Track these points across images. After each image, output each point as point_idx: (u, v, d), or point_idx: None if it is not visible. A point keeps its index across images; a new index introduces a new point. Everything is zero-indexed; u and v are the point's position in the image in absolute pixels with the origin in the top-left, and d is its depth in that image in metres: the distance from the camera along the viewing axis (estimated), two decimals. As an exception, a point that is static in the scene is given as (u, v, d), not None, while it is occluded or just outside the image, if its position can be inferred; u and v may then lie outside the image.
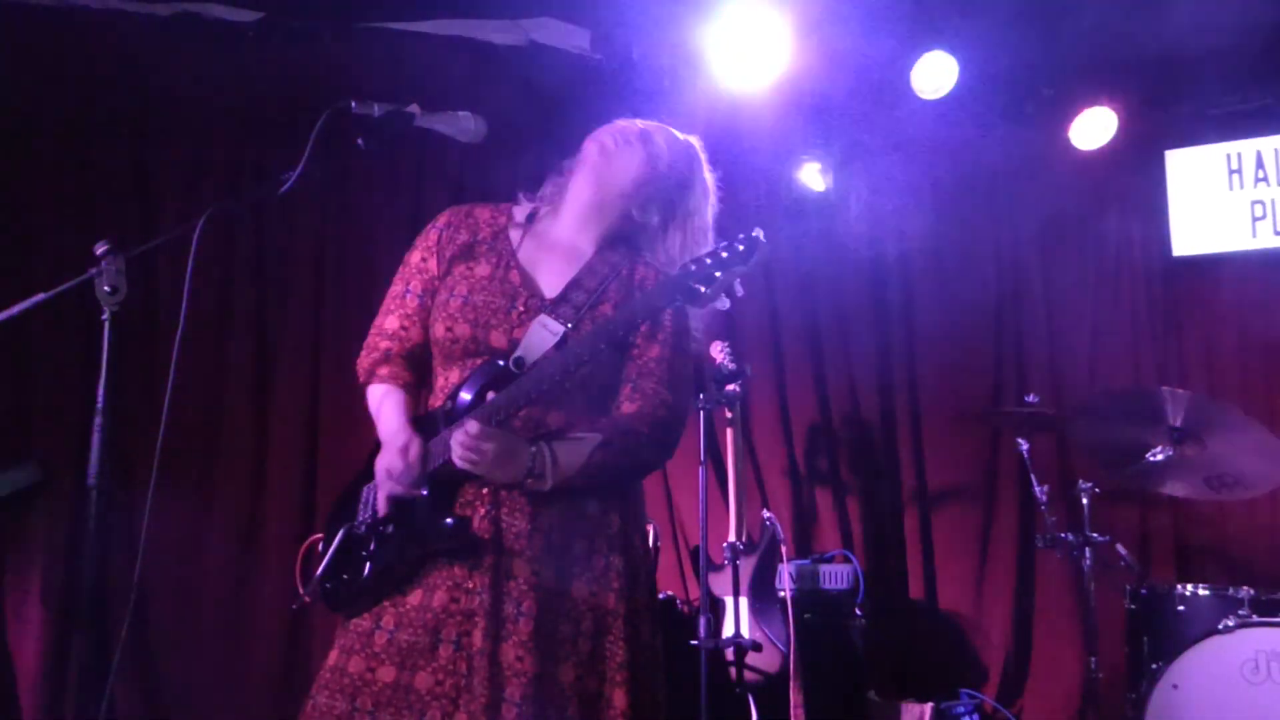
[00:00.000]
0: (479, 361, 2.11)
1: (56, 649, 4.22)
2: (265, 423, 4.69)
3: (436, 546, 2.03)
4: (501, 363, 2.07)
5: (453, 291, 2.16)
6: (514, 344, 2.09)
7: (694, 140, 2.31)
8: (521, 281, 2.16)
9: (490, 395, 2.02)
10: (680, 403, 2.19)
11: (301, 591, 2.18)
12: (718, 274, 1.91)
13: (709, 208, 2.30)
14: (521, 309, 2.12)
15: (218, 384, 4.65)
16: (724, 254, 1.92)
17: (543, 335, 2.07)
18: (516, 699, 1.94)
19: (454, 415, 2.06)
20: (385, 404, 2.20)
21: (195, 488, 4.55)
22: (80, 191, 4.50)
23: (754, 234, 1.92)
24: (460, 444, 1.95)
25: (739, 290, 1.95)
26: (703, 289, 1.91)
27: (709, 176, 2.31)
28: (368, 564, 2.07)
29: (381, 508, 2.07)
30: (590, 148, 2.21)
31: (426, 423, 2.12)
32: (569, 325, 2.08)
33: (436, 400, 2.17)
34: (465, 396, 2.06)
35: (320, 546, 2.20)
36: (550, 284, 2.17)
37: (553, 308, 2.12)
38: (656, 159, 2.21)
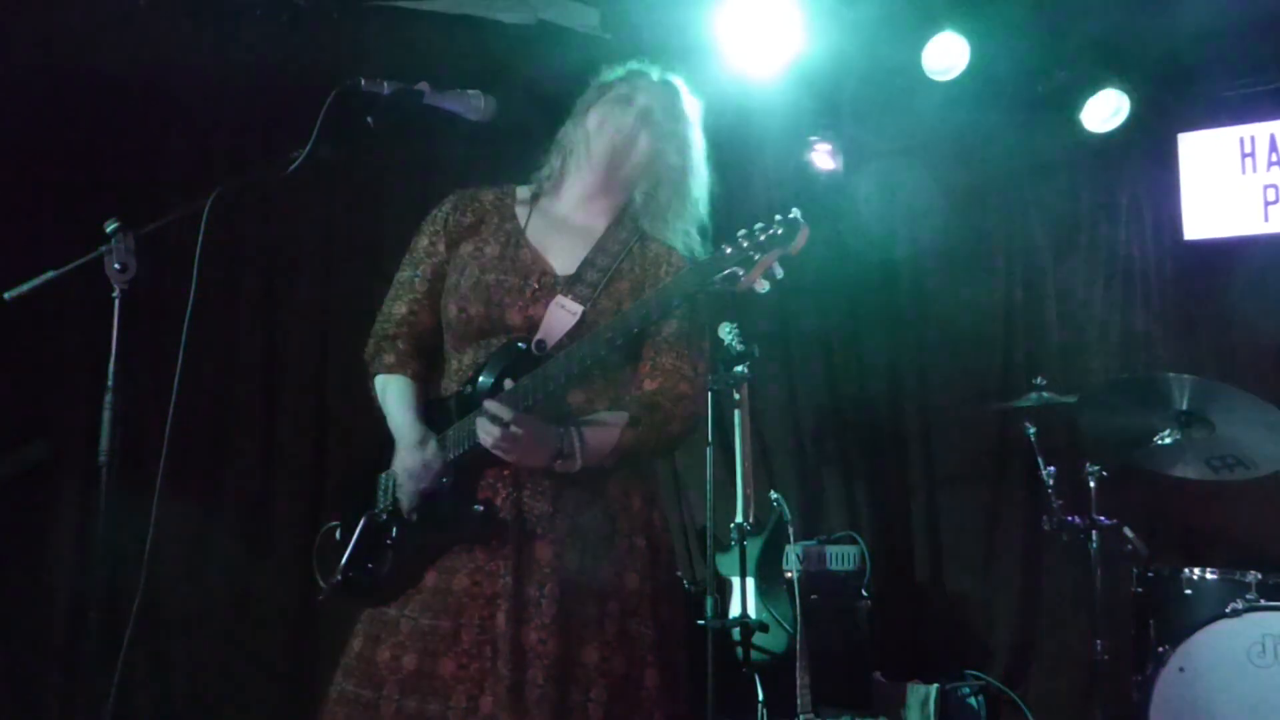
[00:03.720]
0: (495, 343, 2.09)
1: (68, 627, 4.24)
2: (274, 404, 4.70)
3: (462, 533, 2.02)
4: (522, 345, 2.05)
5: (463, 272, 2.14)
6: (531, 323, 2.07)
7: (676, 80, 2.27)
8: (533, 259, 2.15)
9: (509, 380, 2.00)
10: (699, 375, 2.19)
11: (323, 583, 2.16)
12: (756, 257, 1.86)
13: (698, 134, 2.26)
14: (536, 286, 2.10)
15: (227, 364, 4.66)
16: (761, 236, 1.87)
17: (561, 316, 2.06)
18: (539, 681, 1.94)
19: (474, 400, 2.03)
20: (390, 396, 2.18)
21: (205, 467, 4.57)
22: (88, 172, 4.49)
23: (792, 215, 1.88)
24: (489, 431, 1.94)
25: (778, 272, 1.90)
26: (741, 272, 1.87)
27: (691, 110, 2.26)
28: (391, 552, 2.07)
29: (406, 505, 2.07)
30: (598, 144, 2.18)
31: (442, 407, 2.10)
32: (587, 305, 2.07)
33: (451, 383, 2.15)
34: (485, 380, 2.04)
35: (337, 534, 2.18)
36: (562, 261, 2.16)
37: (568, 287, 2.10)
38: (665, 136, 2.19)
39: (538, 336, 2.05)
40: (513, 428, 1.92)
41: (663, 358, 2.13)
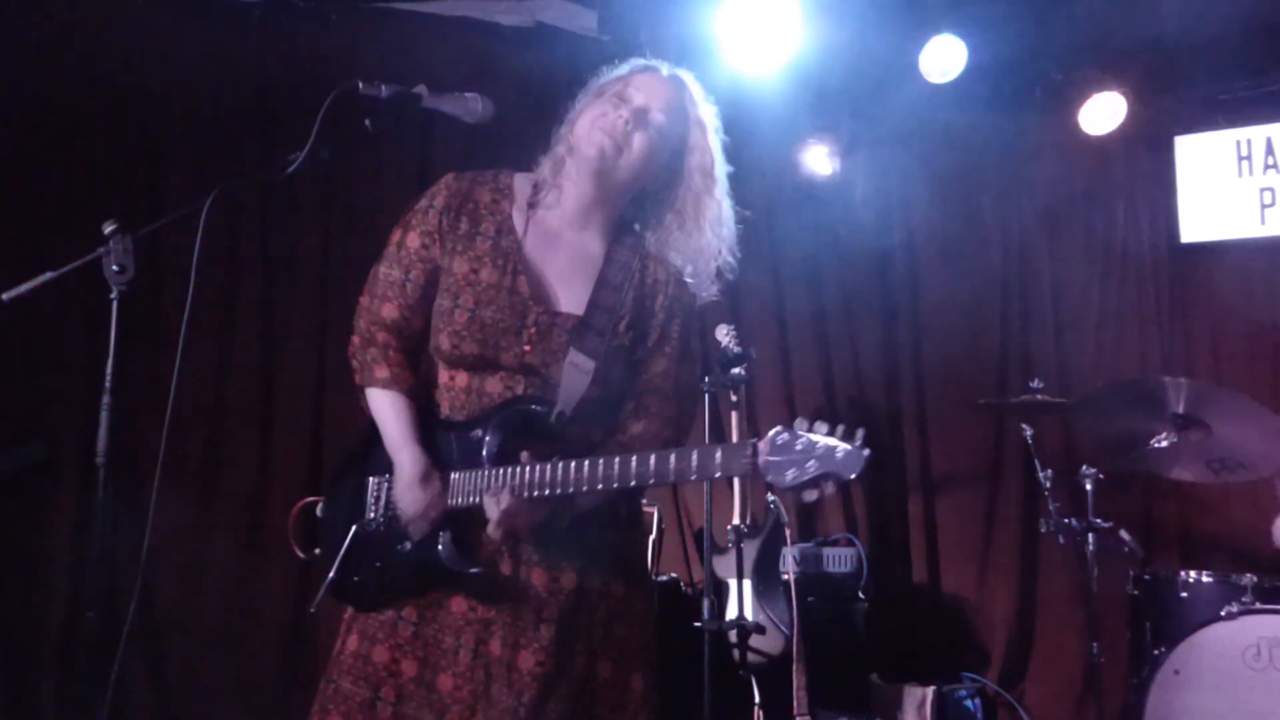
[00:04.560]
0: (489, 377, 2.03)
1: (65, 627, 4.24)
2: (271, 405, 4.70)
3: (455, 584, 2.00)
4: (539, 408, 1.99)
5: (457, 300, 2.05)
6: (525, 366, 2.02)
7: (685, 76, 2.18)
8: (531, 292, 2.05)
9: (525, 454, 1.94)
10: (686, 417, 2.16)
11: (302, 554, 2.16)
12: (812, 470, 1.68)
13: (712, 141, 2.18)
14: (533, 329, 2.03)
15: (225, 366, 4.66)
16: (818, 457, 1.67)
17: (576, 377, 2.00)
18: (534, 699, 1.94)
19: (478, 456, 1.99)
20: (389, 417, 2.09)
21: (202, 468, 4.57)
22: (88, 174, 4.49)
23: (858, 445, 1.68)
24: (498, 524, 1.91)
25: (830, 491, 1.71)
26: (791, 476, 1.69)
27: (705, 112, 2.18)
28: (380, 575, 2.05)
29: (413, 535, 2.02)
30: (588, 151, 2.06)
31: (444, 440, 2.05)
32: (598, 360, 2.01)
33: (442, 398, 2.10)
34: (493, 441, 1.98)
35: (319, 510, 2.17)
36: (563, 294, 2.08)
37: (577, 338, 2.02)
38: (659, 135, 2.09)
39: (558, 408, 1.98)
40: (513, 520, 1.91)
41: (649, 398, 2.09)
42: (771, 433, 1.73)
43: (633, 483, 1.84)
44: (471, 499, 1.96)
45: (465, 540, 1.99)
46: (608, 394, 2.05)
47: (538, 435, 1.97)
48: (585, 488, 1.87)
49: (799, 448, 1.70)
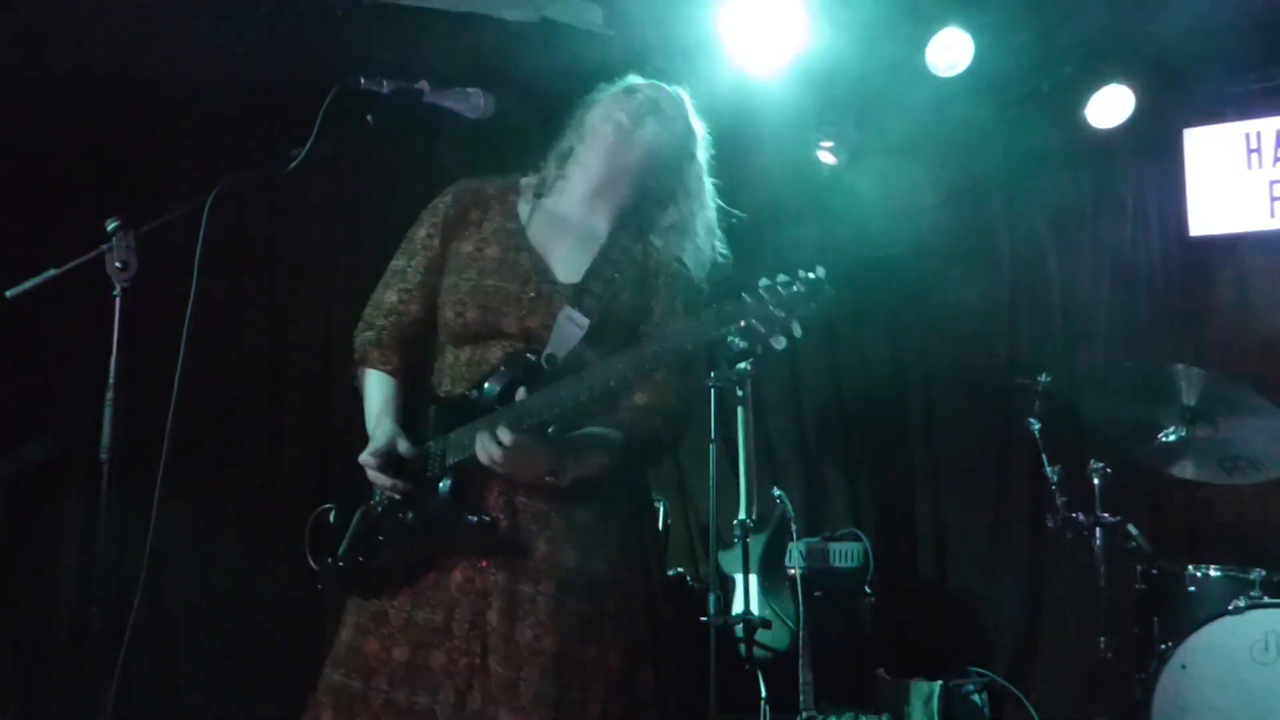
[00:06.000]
0: (492, 346, 2.08)
1: (73, 623, 4.26)
2: (278, 400, 4.72)
3: (458, 540, 2.01)
4: (532, 357, 2.03)
5: (461, 274, 2.12)
6: (526, 332, 2.06)
7: (683, 91, 2.29)
8: (532, 264, 2.12)
9: (520, 392, 1.97)
10: (692, 390, 2.18)
11: (314, 564, 2.17)
12: (778, 313, 1.79)
13: (703, 154, 2.29)
14: (534, 294, 2.09)
15: (231, 361, 4.68)
16: (784, 293, 1.79)
17: (570, 329, 2.05)
18: (535, 678, 1.93)
19: (480, 406, 2.02)
20: (370, 395, 2.17)
21: (208, 463, 4.58)
22: (92, 171, 4.51)
23: (816, 275, 1.79)
24: (489, 452, 1.91)
25: (797, 332, 1.81)
26: (761, 327, 1.80)
27: (699, 125, 2.29)
28: (384, 550, 2.06)
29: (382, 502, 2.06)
30: (604, 128, 2.17)
31: (446, 409, 2.08)
32: (594, 319, 2.06)
33: (444, 379, 2.14)
34: (492, 388, 2.02)
35: (331, 516, 2.19)
36: (564, 266, 2.14)
37: (575, 299, 2.08)
38: (670, 125, 2.20)
39: (547, 350, 2.03)
40: (508, 453, 1.90)
41: (656, 371, 2.09)
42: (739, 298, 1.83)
43: (612, 382, 1.90)
44: (468, 453, 1.98)
45: (465, 492, 2.01)
46: (606, 357, 2.05)
47: (531, 380, 2.00)
48: (570, 402, 1.91)
49: (761, 300, 1.80)
